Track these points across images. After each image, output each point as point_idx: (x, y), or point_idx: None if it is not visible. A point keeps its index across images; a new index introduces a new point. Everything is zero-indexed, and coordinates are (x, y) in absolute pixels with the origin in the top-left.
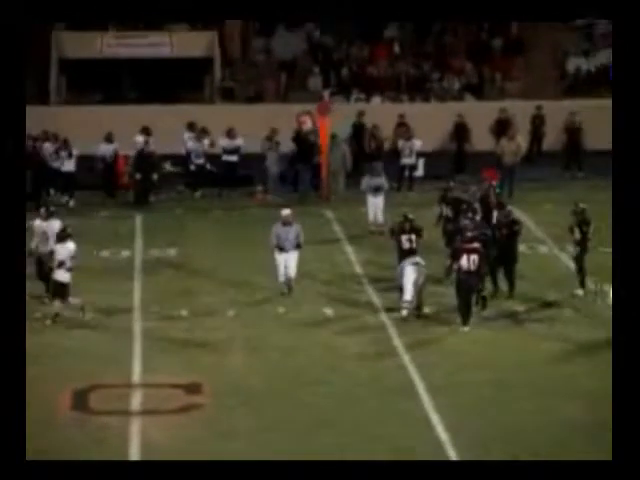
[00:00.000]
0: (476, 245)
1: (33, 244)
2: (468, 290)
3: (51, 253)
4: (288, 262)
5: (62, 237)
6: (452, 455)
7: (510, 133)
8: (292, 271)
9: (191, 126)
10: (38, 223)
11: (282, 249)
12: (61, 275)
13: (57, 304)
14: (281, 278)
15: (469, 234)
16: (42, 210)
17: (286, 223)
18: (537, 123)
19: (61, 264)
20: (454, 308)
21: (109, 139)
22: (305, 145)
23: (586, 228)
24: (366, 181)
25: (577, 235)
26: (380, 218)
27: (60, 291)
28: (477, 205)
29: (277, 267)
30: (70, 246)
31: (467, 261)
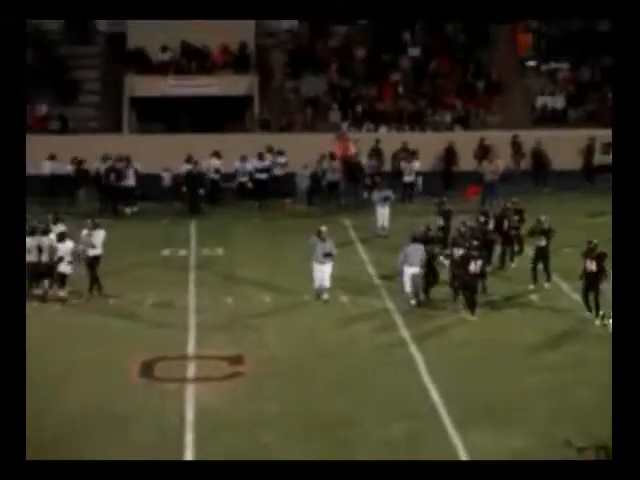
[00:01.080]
0: (480, 253)
1: (80, 248)
2: (475, 288)
3: (96, 258)
4: (324, 274)
5: (61, 238)
6: (441, 408)
7: (490, 156)
8: (327, 282)
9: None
10: (85, 232)
11: (319, 261)
12: (63, 267)
13: (61, 291)
14: (317, 284)
15: (475, 244)
16: (88, 221)
17: (322, 239)
18: (516, 148)
19: (61, 259)
20: (447, 298)
21: (189, 160)
22: (350, 165)
23: (551, 234)
24: (377, 194)
25: (543, 242)
26: (386, 225)
27: (62, 280)
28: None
29: (314, 275)
30: (69, 245)
31: (474, 265)
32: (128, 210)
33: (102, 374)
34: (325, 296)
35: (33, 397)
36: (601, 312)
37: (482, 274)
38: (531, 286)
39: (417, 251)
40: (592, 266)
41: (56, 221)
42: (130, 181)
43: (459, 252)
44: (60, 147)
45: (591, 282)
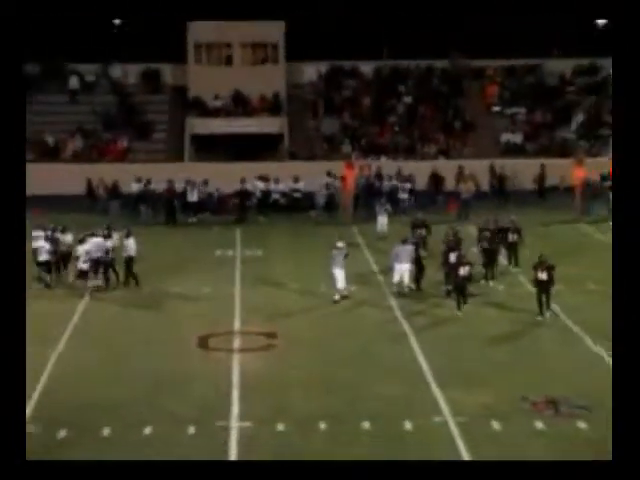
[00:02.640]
0: (469, 260)
1: (125, 254)
2: (464, 288)
3: (130, 258)
4: (341, 276)
5: (81, 241)
6: (427, 373)
7: (466, 179)
8: (341, 283)
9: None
10: (126, 240)
11: (338, 267)
12: (80, 265)
13: (81, 283)
14: (338, 285)
15: (463, 253)
16: (125, 230)
17: (340, 250)
18: (492, 173)
19: (78, 258)
20: (435, 289)
21: (243, 181)
22: (370, 184)
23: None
24: (378, 206)
25: (544, 277)
26: (385, 230)
27: (82, 275)
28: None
29: (335, 278)
30: (86, 247)
31: (464, 270)
32: (189, 220)
33: (168, 346)
34: (345, 292)
35: (121, 362)
36: (550, 311)
37: (469, 278)
38: (539, 317)
39: (406, 251)
40: (543, 276)
41: (128, 235)
42: (193, 197)
43: (453, 257)
44: (137, 173)
45: (543, 289)
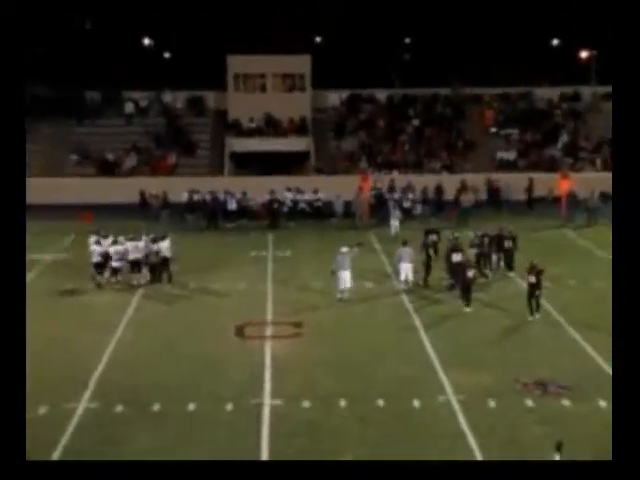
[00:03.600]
0: (474, 264)
1: (152, 258)
2: (470, 288)
3: (165, 260)
4: (346, 277)
5: (114, 242)
6: (434, 358)
7: (467, 191)
8: (347, 283)
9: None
10: (154, 245)
11: (341, 270)
12: (115, 263)
13: (113, 279)
14: (345, 285)
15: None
16: (161, 235)
17: (344, 254)
18: (489, 186)
19: (110, 258)
20: (440, 285)
21: (272, 193)
22: (382, 195)
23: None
24: (392, 212)
25: (533, 279)
26: (398, 232)
27: (115, 272)
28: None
29: (341, 279)
30: (118, 248)
31: (470, 272)
32: (229, 225)
33: (209, 334)
34: (346, 295)
35: (169, 348)
36: (538, 312)
37: (474, 278)
38: (530, 318)
39: (407, 252)
40: (532, 279)
41: (158, 239)
42: (232, 206)
43: (457, 258)
44: (184, 186)
45: (533, 291)
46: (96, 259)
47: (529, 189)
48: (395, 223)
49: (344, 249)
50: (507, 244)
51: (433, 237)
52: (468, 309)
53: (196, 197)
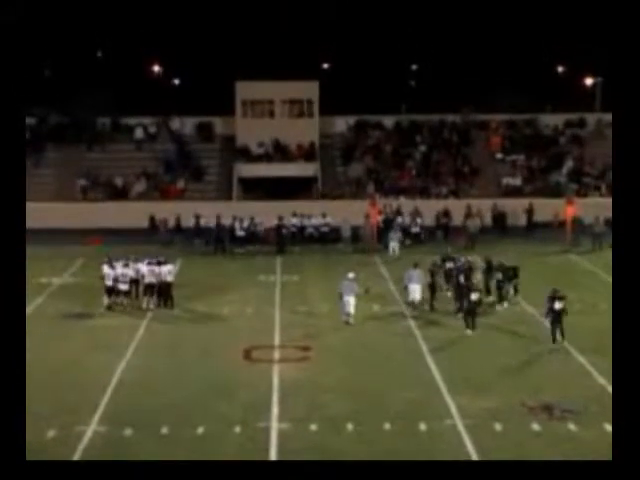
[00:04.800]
0: (478, 287)
1: (154, 279)
2: (473, 311)
3: (168, 284)
4: (350, 302)
5: (126, 265)
6: (440, 382)
7: (473, 216)
8: (352, 308)
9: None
10: (155, 268)
11: (346, 295)
12: (121, 286)
13: (125, 301)
14: (345, 310)
15: (474, 282)
16: (160, 259)
17: (351, 280)
18: (495, 212)
19: (117, 280)
20: (446, 308)
21: (280, 218)
22: (389, 220)
23: (510, 272)
24: (392, 234)
25: (559, 306)
26: (397, 252)
27: (124, 294)
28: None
29: (347, 304)
30: (124, 271)
31: (475, 295)
32: (237, 250)
33: (218, 357)
34: (351, 320)
35: (178, 371)
36: (564, 339)
37: (479, 303)
38: (553, 345)
39: (416, 274)
40: (559, 305)
41: (161, 263)
42: (240, 232)
43: (462, 279)
44: (192, 210)
45: (558, 317)
46: (109, 283)
47: (529, 213)
48: (394, 244)
49: (350, 275)
50: (498, 275)
51: (450, 264)
52: (469, 332)
53: (202, 222)
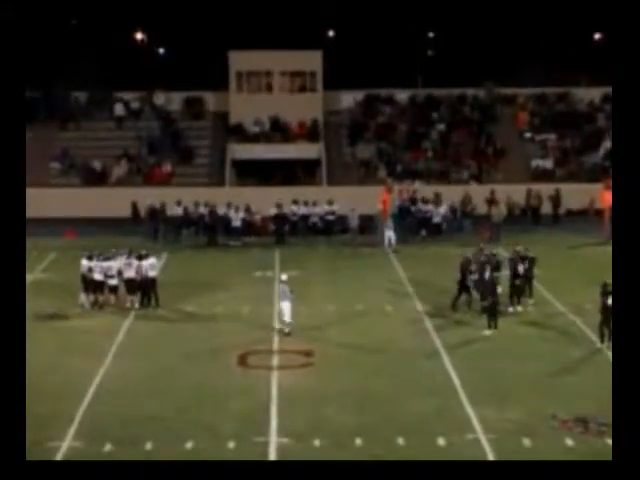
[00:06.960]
0: (499, 284)
1: (134, 275)
2: (495, 308)
3: (152, 280)
4: (285, 310)
5: (107, 258)
6: (460, 390)
7: (497, 203)
8: (288, 316)
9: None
10: (141, 262)
11: (281, 301)
12: (111, 281)
13: (113, 298)
14: (284, 318)
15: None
16: (142, 252)
17: (285, 282)
18: (528, 198)
19: (108, 276)
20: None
21: (279, 206)
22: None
23: (531, 264)
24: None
25: (521, 269)
26: (393, 243)
27: (113, 290)
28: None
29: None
30: (111, 264)
31: (500, 289)
32: (232, 243)
33: (209, 363)
34: (287, 329)
35: (164, 378)
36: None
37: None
38: (599, 345)
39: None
40: (609, 301)
41: (144, 257)
42: (236, 222)
43: (487, 275)
44: (180, 197)
45: (608, 316)
46: (98, 277)
47: (554, 200)
48: (389, 233)
49: (284, 276)
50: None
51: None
52: (488, 332)
53: (192, 210)
